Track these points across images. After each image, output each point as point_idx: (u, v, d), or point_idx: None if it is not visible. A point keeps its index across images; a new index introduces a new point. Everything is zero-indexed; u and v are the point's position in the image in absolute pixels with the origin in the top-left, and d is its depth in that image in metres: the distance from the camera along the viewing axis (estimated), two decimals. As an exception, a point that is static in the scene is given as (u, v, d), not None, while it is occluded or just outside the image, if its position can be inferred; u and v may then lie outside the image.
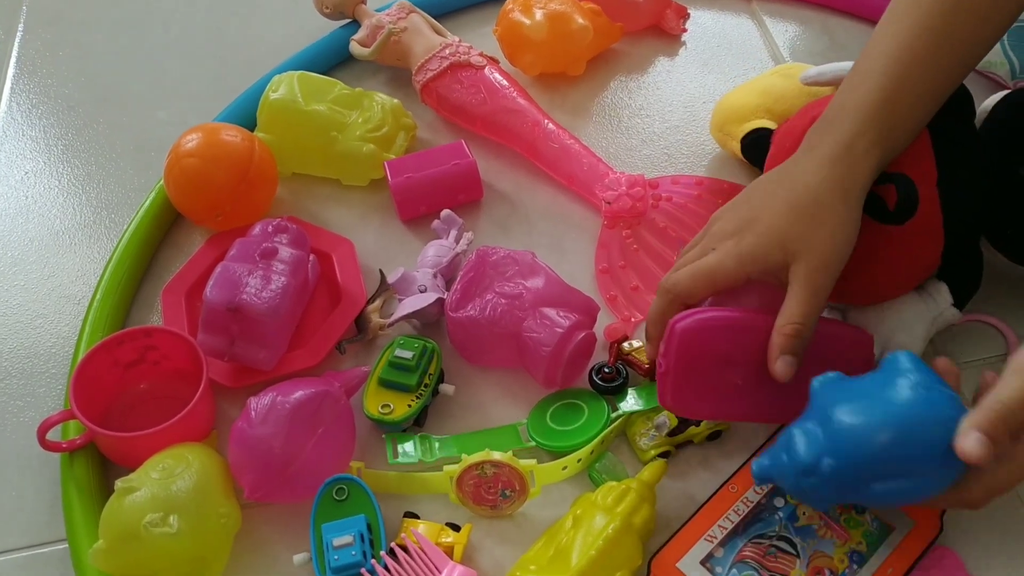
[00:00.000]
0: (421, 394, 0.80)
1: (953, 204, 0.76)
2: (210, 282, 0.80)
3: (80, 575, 0.74)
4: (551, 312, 0.80)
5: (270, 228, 0.86)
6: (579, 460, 0.77)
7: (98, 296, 0.90)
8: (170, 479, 0.71)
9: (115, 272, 0.91)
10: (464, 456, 0.74)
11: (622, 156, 1.04)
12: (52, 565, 0.77)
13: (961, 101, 0.78)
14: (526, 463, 0.75)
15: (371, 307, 0.88)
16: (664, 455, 0.78)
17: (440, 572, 0.72)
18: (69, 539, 0.76)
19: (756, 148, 0.94)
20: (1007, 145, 0.81)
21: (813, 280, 0.69)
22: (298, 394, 0.75)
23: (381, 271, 0.91)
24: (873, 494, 0.64)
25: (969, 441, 0.59)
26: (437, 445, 0.80)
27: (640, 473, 0.76)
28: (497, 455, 0.74)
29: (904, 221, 0.75)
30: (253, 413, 0.74)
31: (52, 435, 0.79)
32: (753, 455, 0.76)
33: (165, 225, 0.98)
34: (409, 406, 0.80)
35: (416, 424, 0.81)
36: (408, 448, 0.79)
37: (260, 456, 0.73)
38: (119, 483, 0.71)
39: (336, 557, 0.71)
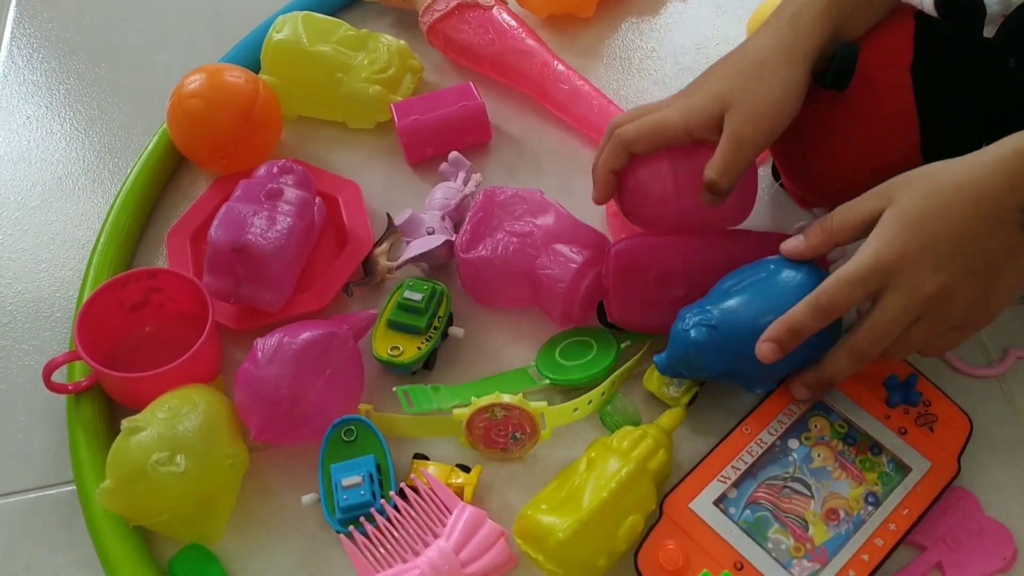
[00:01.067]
0: (431, 336, 0.79)
1: (928, 89, 0.74)
2: (215, 222, 0.79)
3: (88, 516, 0.74)
4: (564, 248, 0.79)
5: (275, 169, 0.85)
6: (590, 401, 0.76)
7: (102, 240, 0.89)
8: (177, 419, 0.71)
9: (119, 216, 0.90)
10: (474, 399, 0.73)
11: (633, 99, 1.02)
12: (60, 506, 0.76)
13: (969, 8, 0.77)
14: (536, 405, 0.74)
15: (378, 250, 0.87)
16: (694, 399, 0.77)
17: (450, 512, 0.71)
18: (76, 480, 0.76)
19: None
20: (999, 37, 0.78)
21: (739, 130, 0.72)
22: (305, 335, 0.74)
23: (388, 214, 0.90)
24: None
25: (761, 349, 0.68)
26: (449, 393, 0.79)
27: (658, 419, 0.75)
28: (507, 397, 0.73)
29: (841, 87, 0.74)
30: (260, 354, 0.73)
31: (58, 378, 0.78)
32: (767, 397, 0.75)
33: (169, 169, 0.96)
34: (419, 348, 0.78)
35: (426, 367, 0.80)
36: (420, 398, 0.78)
37: (267, 397, 0.72)
38: (125, 423, 0.70)
39: (345, 497, 0.70)
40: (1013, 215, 0.65)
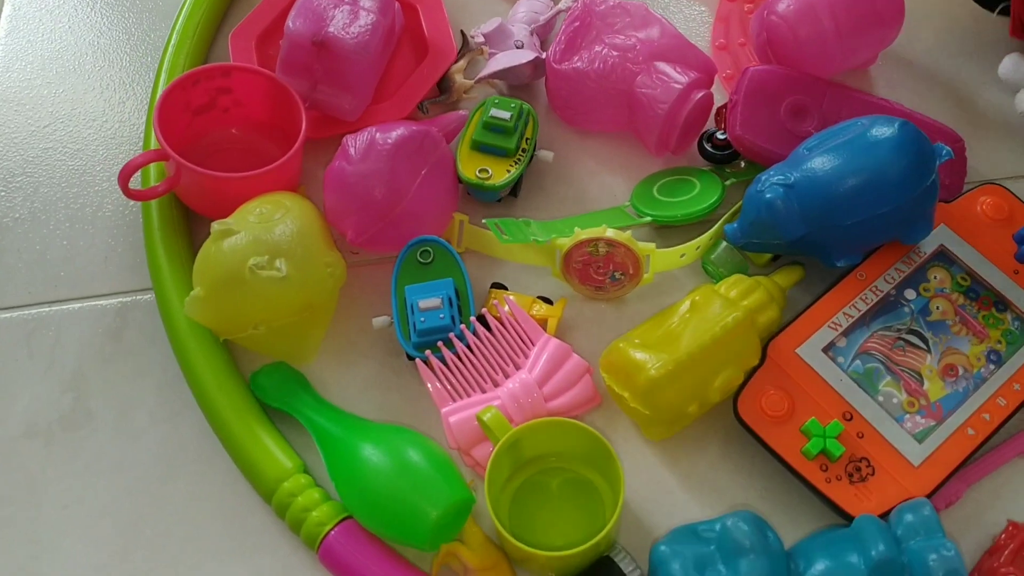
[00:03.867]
0: (520, 159, 0.72)
1: None
2: (292, 12, 0.71)
3: (168, 323, 0.69)
4: (667, 67, 0.71)
5: (355, -39, 0.76)
6: (698, 247, 0.69)
7: (173, 41, 0.81)
8: (271, 223, 0.64)
9: (192, 12, 0.83)
10: (577, 230, 0.67)
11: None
12: (140, 311, 0.73)
13: None
14: (644, 245, 0.67)
15: (455, 67, 0.79)
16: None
17: (533, 344, 0.66)
18: (155, 288, 0.71)
19: None
20: None
21: None
22: (399, 131, 0.68)
23: (463, 31, 0.81)
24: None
25: None
26: (541, 228, 0.72)
27: (774, 274, 0.68)
28: (613, 232, 0.66)
29: None
30: (352, 150, 0.67)
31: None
32: (874, 250, 0.68)
33: None
34: (508, 171, 0.72)
35: (512, 194, 0.74)
36: (513, 229, 0.71)
37: (362, 195, 0.66)
38: (215, 225, 0.63)
39: (423, 319, 0.65)
40: None
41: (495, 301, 0.67)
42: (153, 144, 0.73)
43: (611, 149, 0.77)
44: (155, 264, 0.71)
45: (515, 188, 0.73)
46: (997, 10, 0.82)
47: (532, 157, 0.74)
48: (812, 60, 0.74)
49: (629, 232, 0.67)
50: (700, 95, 0.71)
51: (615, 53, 0.72)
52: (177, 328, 0.68)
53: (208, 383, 0.66)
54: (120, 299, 0.73)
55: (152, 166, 0.73)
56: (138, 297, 0.73)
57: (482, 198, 0.73)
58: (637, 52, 0.72)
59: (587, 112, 0.75)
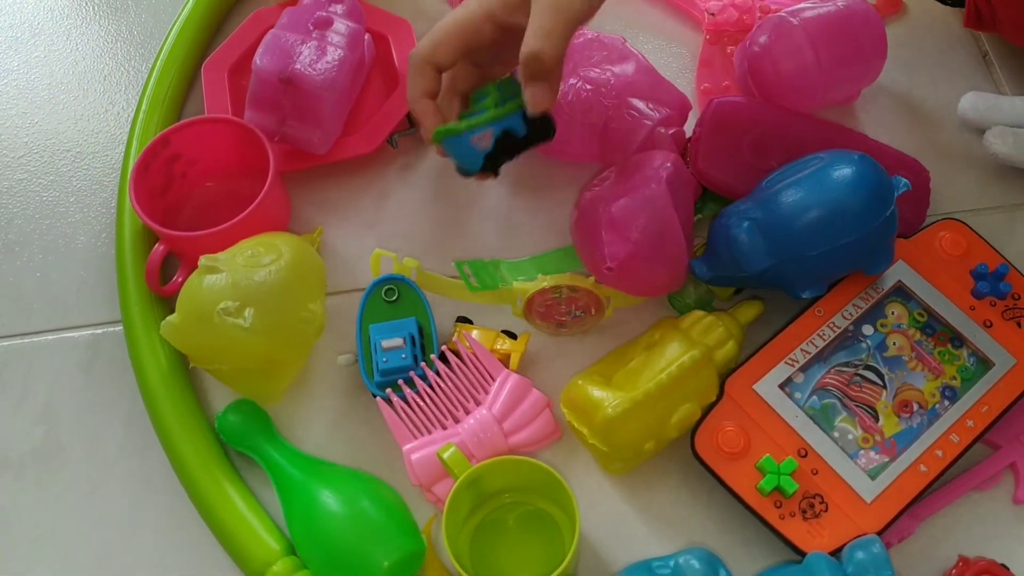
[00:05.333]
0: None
1: None
2: (260, 50, 0.72)
3: (135, 362, 0.70)
4: (639, 103, 0.72)
5: (324, -4, 0.77)
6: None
7: (154, 75, 0.82)
8: (255, 268, 0.64)
9: (172, 51, 0.83)
10: (540, 276, 0.67)
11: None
12: (111, 342, 0.74)
13: None
14: (607, 287, 0.68)
15: (426, 99, 0.80)
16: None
17: (493, 379, 0.66)
18: (125, 326, 0.72)
19: None
20: None
21: (545, 10, 0.61)
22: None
23: (437, 60, 0.82)
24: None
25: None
26: (511, 269, 0.72)
27: (734, 308, 0.69)
28: (578, 280, 0.67)
29: None
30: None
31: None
32: (837, 282, 0.69)
33: (226, 4, 0.88)
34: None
35: (493, 171, 0.67)
36: (482, 274, 0.71)
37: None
38: (203, 259, 0.64)
39: (385, 359, 0.66)
40: None
41: (455, 338, 0.68)
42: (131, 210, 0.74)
43: (587, 178, 0.77)
44: (126, 301, 0.72)
45: (495, 163, 0.67)
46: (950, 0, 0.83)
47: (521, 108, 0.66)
48: (794, 94, 0.75)
49: (592, 279, 0.67)
50: (671, 132, 0.72)
51: (589, 87, 0.73)
52: (144, 369, 0.69)
53: (173, 429, 0.67)
54: (92, 331, 0.74)
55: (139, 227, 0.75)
56: (109, 329, 0.74)
57: (461, 158, 0.66)
58: (611, 87, 0.73)
59: (560, 142, 0.75)
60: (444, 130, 0.65)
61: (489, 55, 0.66)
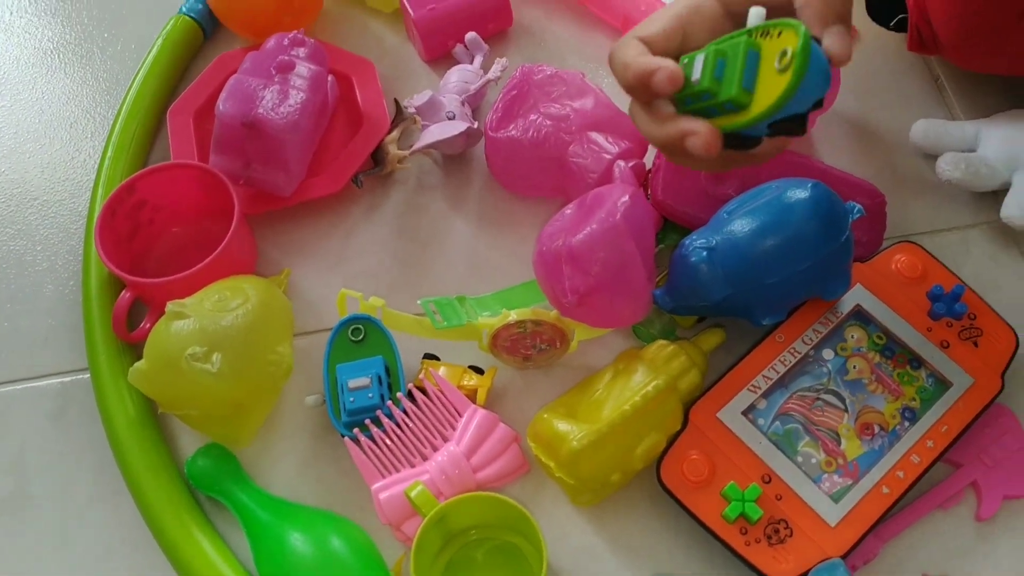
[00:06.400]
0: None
1: None
2: (222, 95, 0.73)
3: (103, 412, 0.71)
4: (599, 137, 0.74)
5: (286, 41, 0.78)
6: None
7: (118, 124, 0.82)
8: (223, 313, 0.65)
9: (138, 97, 0.84)
10: (505, 311, 0.68)
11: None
12: (80, 390, 0.74)
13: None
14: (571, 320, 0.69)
15: (388, 138, 0.81)
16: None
17: (460, 416, 0.67)
18: (92, 374, 0.72)
19: None
20: None
21: None
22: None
23: (396, 100, 0.83)
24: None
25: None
26: (476, 304, 0.73)
27: (696, 337, 0.70)
28: (542, 314, 0.68)
29: None
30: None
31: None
32: (797, 307, 0.70)
33: (190, 50, 0.89)
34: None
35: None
36: (448, 311, 0.72)
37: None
38: (170, 305, 0.65)
39: (352, 399, 0.66)
40: None
41: (422, 375, 0.69)
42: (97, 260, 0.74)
43: (552, 210, 0.78)
44: (93, 349, 0.72)
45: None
46: (892, 23, 0.84)
47: None
48: None
49: (556, 312, 0.68)
50: (631, 164, 0.73)
51: (549, 123, 0.74)
52: (112, 417, 0.70)
53: (141, 476, 0.67)
54: (61, 379, 0.75)
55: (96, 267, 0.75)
56: (78, 377, 0.74)
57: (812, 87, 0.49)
58: (571, 122, 0.74)
59: (523, 178, 0.77)
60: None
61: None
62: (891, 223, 0.76)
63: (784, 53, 0.47)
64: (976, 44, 0.76)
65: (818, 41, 0.50)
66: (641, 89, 0.51)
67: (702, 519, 0.63)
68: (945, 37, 0.77)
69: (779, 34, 0.48)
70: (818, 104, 0.49)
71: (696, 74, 0.50)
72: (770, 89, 0.48)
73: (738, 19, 0.53)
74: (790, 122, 0.50)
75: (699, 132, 0.50)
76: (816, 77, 0.47)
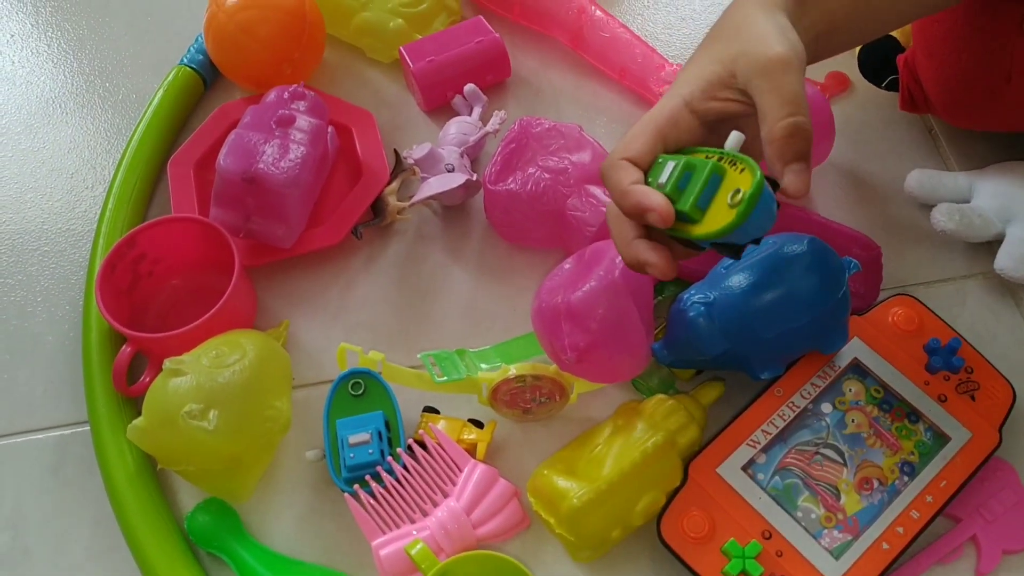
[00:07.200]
0: None
1: None
2: (223, 150, 0.73)
3: (103, 465, 0.70)
4: (597, 191, 0.74)
5: (286, 95, 0.79)
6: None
7: (119, 175, 0.83)
8: (220, 369, 0.65)
9: (139, 147, 0.84)
10: (504, 366, 0.69)
11: (660, 35, 0.95)
12: (79, 443, 0.73)
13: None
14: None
15: (387, 189, 0.82)
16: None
17: (460, 471, 0.67)
18: (92, 427, 0.72)
19: None
20: None
21: (775, 74, 0.53)
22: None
23: (396, 151, 0.84)
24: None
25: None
26: (476, 358, 0.73)
27: (695, 391, 0.71)
28: (542, 369, 0.68)
29: None
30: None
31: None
32: (794, 363, 0.70)
33: (191, 101, 0.89)
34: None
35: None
36: (448, 365, 0.72)
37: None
38: (167, 363, 0.65)
39: (352, 455, 0.66)
40: None
41: (422, 430, 0.69)
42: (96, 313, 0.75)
43: (551, 262, 0.78)
44: (93, 403, 0.72)
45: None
46: (884, 83, 0.85)
47: None
48: None
49: (555, 367, 0.68)
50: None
51: (547, 176, 0.75)
52: (111, 471, 0.69)
53: (139, 531, 0.67)
54: (59, 432, 0.74)
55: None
56: (77, 430, 0.74)
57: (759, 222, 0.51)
58: (569, 175, 0.75)
59: (522, 230, 0.78)
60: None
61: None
62: (887, 273, 0.77)
63: (737, 192, 0.50)
64: (967, 105, 0.77)
65: (775, 181, 0.53)
66: (635, 217, 0.55)
67: (703, 576, 0.63)
68: (936, 98, 0.78)
69: (742, 170, 0.50)
70: (757, 240, 0.53)
71: (663, 177, 0.54)
72: (718, 216, 0.51)
73: (711, 127, 0.57)
74: (728, 247, 0.54)
75: (657, 265, 0.54)
76: (760, 219, 0.50)
